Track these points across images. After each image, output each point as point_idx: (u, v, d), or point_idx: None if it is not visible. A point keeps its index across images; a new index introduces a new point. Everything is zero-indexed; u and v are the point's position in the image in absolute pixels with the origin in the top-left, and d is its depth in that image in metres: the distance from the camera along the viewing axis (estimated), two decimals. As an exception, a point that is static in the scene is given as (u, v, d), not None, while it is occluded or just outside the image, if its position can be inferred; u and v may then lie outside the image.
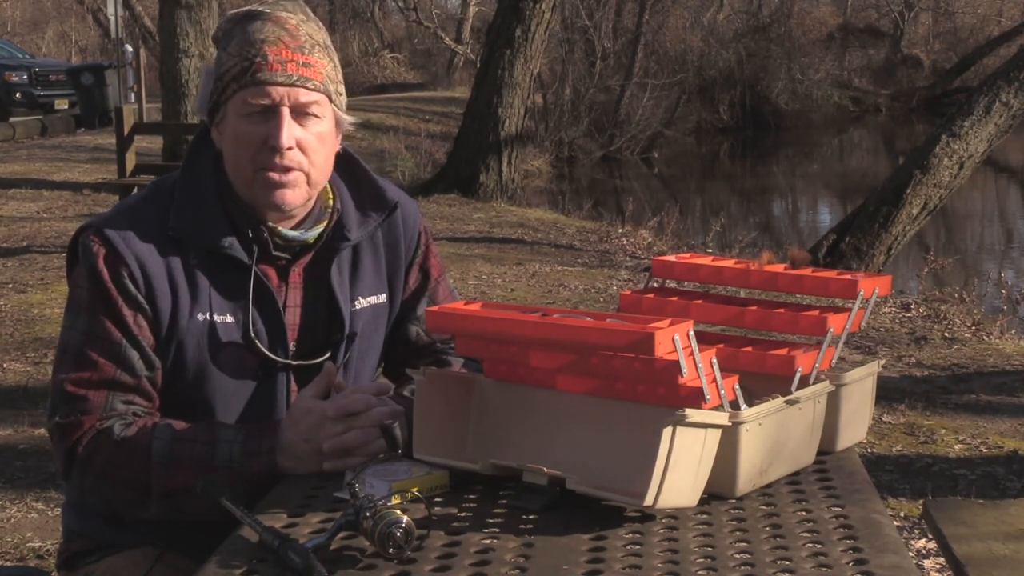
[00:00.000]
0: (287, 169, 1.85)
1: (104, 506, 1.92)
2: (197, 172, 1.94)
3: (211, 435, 1.82)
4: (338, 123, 1.93)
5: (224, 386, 1.91)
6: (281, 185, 1.86)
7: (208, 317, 1.88)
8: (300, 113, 1.85)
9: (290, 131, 1.84)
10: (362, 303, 2.00)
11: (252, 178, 1.87)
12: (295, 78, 1.84)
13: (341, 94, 1.93)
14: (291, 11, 1.88)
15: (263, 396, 1.94)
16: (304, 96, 1.85)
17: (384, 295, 2.04)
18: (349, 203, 1.99)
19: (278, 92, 1.83)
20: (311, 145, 1.87)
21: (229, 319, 1.89)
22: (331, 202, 1.98)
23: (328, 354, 1.97)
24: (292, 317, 1.95)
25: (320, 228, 1.95)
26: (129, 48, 19.30)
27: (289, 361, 1.93)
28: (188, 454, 1.81)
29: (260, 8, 1.88)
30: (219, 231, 1.89)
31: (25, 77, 22.26)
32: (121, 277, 1.84)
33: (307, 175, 1.88)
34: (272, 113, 1.84)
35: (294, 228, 1.93)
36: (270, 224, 1.91)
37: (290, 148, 1.84)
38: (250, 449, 1.81)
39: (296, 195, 1.88)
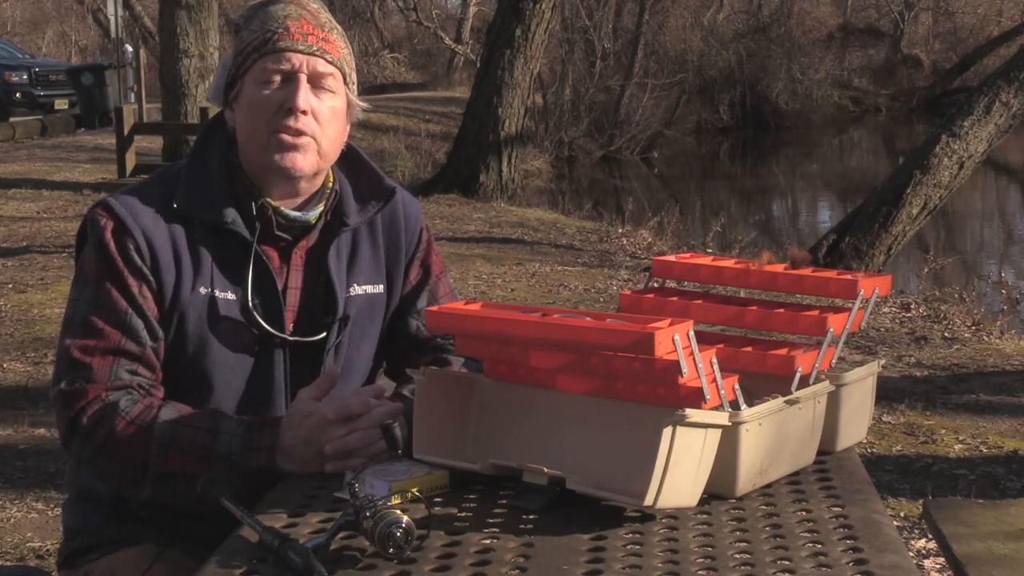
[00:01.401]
0: (300, 132, 1.90)
1: (99, 478, 1.93)
2: (205, 155, 1.99)
3: (214, 424, 1.84)
4: (350, 106, 1.99)
5: (223, 360, 1.93)
6: (293, 148, 1.91)
7: (210, 291, 1.92)
8: (316, 84, 1.92)
9: (307, 96, 1.90)
10: (357, 290, 2.03)
11: (266, 142, 1.91)
12: (315, 48, 1.91)
13: (354, 82, 1.99)
14: None
15: (261, 372, 1.96)
16: (321, 67, 1.91)
17: (382, 286, 2.07)
18: (348, 190, 2.04)
19: (297, 59, 1.90)
20: (324, 116, 1.92)
21: (230, 296, 1.93)
22: (331, 184, 2.02)
23: (324, 334, 1.99)
24: (292, 299, 1.98)
25: (320, 207, 1.99)
26: (129, 48, 19.30)
27: (286, 336, 1.96)
28: (189, 440, 1.82)
29: None
30: (223, 206, 1.93)
31: (25, 77, 22.26)
32: (127, 249, 1.88)
33: (318, 143, 1.92)
34: (290, 80, 1.90)
35: (296, 209, 1.97)
36: (273, 203, 1.95)
37: (305, 112, 1.90)
38: (250, 444, 1.82)
39: (306, 161, 1.92)
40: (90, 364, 1.86)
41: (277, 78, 1.90)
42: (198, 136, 2.03)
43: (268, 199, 1.95)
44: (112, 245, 1.88)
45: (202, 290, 1.91)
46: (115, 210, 1.90)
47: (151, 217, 1.91)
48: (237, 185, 1.96)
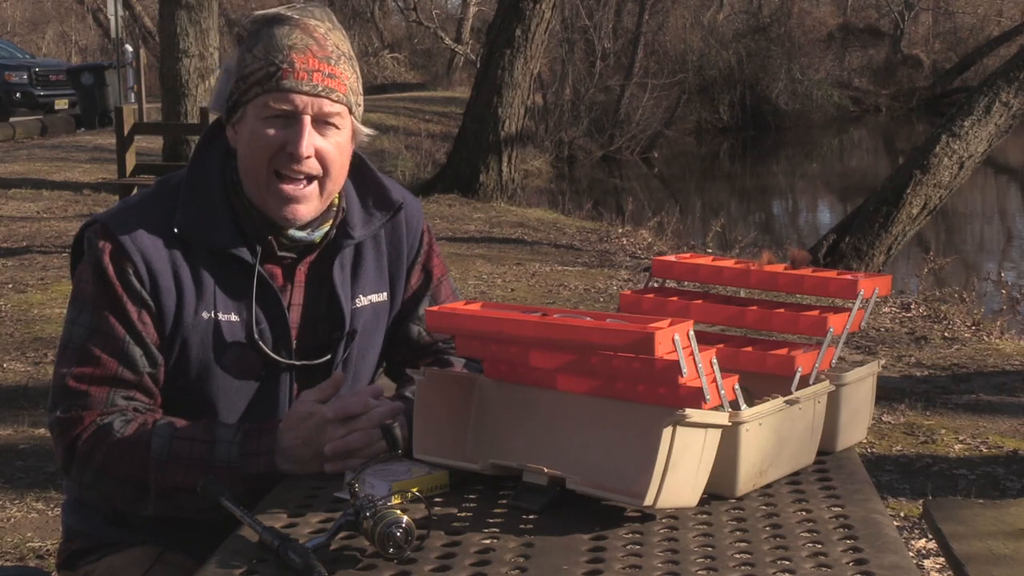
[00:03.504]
0: (303, 179, 1.86)
1: (103, 501, 1.93)
2: (204, 171, 1.93)
3: (210, 435, 1.83)
4: (355, 134, 1.93)
5: (227, 385, 1.91)
6: (295, 199, 1.87)
7: (213, 315, 1.88)
8: (321, 123, 1.85)
9: (310, 140, 1.84)
10: (363, 301, 2.01)
11: (266, 183, 1.87)
12: (320, 88, 1.83)
13: (360, 106, 1.93)
14: (319, 19, 1.87)
15: (265, 395, 1.94)
16: (327, 107, 1.85)
17: (385, 293, 2.05)
18: (355, 202, 2.00)
19: (302, 100, 1.83)
20: (329, 155, 1.87)
21: (234, 318, 1.90)
22: (337, 201, 1.98)
23: (328, 356, 1.97)
24: (295, 315, 1.96)
25: (326, 227, 1.96)
26: (129, 48, 19.29)
27: (292, 361, 1.94)
28: (187, 453, 1.81)
29: (288, 13, 1.87)
30: (225, 231, 1.89)
31: (25, 77, 22.27)
32: (126, 273, 1.85)
33: (321, 185, 1.88)
34: (293, 120, 1.84)
35: (300, 229, 1.93)
36: (277, 225, 1.91)
37: (308, 157, 1.84)
38: (248, 450, 1.81)
39: (308, 209, 1.89)
40: (86, 391, 1.84)
41: (280, 117, 1.84)
42: (197, 145, 1.97)
43: (270, 225, 1.91)
44: (111, 269, 1.84)
45: (204, 314, 1.88)
46: (113, 232, 1.85)
47: (150, 239, 1.86)
48: (237, 205, 1.91)
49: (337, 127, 1.87)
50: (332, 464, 1.79)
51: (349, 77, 1.88)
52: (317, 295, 1.97)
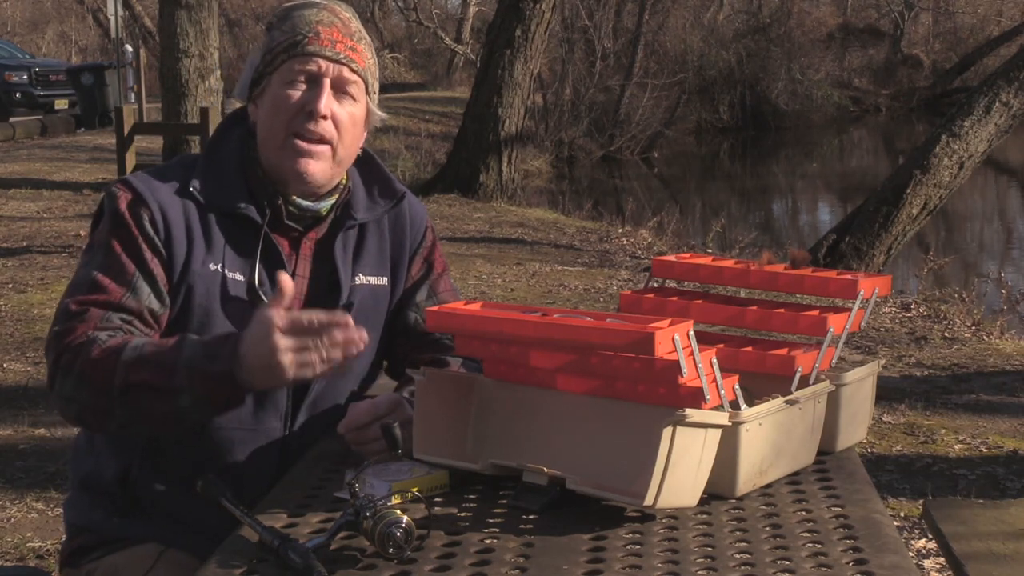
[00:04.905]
0: (318, 139, 1.95)
1: (78, 417, 1.89)
2: (222, 145, 2.04)
3: (180, 340, 1.83)
4: (369, 115, 2.05)
5: None
6: (309, 154, 1.96)
7: (220, 269, 1.95)
8: (339, 90, 1.97)
9: (328, 101, 1.95)
10: (362, 280, 2.06)
11: (283, 144, 1.96)
12: (342, 56, 1.97)
13: (376, 92, 2.05)
14: (345, 8, 2.03)
15: None
16: (347, 74, 1.97)
17: (386, 278, 2.10)
18: (360, 188, 2.09)
19: (324, 64, 1.96)
20: (343, 122, 1.97)
21: (239, 277, 1.96)
22: (344, 181, 2.07)
23: None
24: (300, 287, 2.01)
25: (332, 200, 2.04)
26: (129, 48, 19.27)
27: None
28: (155, 355, 1.80)
29: (317, 0, 2.01)
30: (237, 196, 1.98)
31: (25, 77, 22.27)
32: (142, 219, 1.93)
33: (334, 150, 1.97)
34: (314, 84, 1.95)
35: (307, 198, 2.01)
36: (287, 193, 1.99)
37: (325, 117, 1.95)
38: (211, 352, 1.79)
39: (320, 167, 1.97)
40: (86, 310, 1.87)
41: (302, 79, 1.95)
42: (217, 127, 2.09)
43: (282, 194, 1.99)
44: (127, 215, 1.93)
45: (212, 266, 1.95)
46: (133, 184, 1.96)
47: (168, 194, 1.96)
48: (252, 177, 2.00)
49: (354, 98, 1.99)
50: (288, 373, 1.72)
51: (368, 57, 2.02)
52: (320, 270, 2.04)
